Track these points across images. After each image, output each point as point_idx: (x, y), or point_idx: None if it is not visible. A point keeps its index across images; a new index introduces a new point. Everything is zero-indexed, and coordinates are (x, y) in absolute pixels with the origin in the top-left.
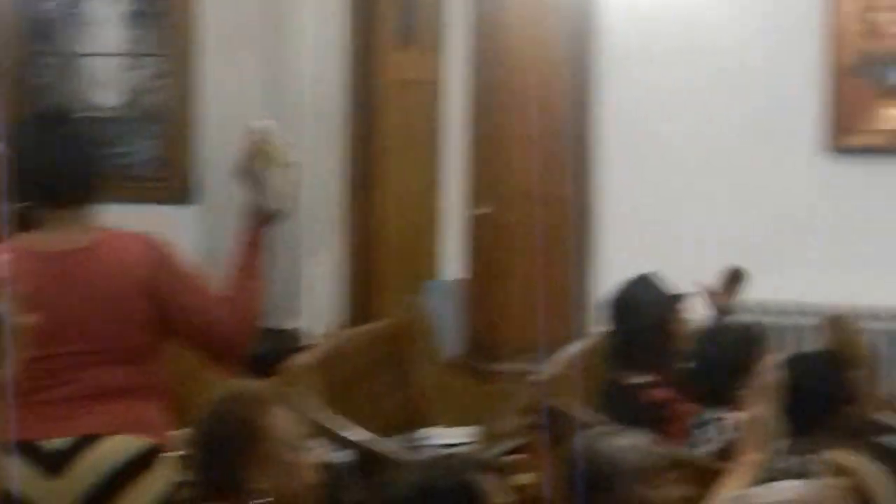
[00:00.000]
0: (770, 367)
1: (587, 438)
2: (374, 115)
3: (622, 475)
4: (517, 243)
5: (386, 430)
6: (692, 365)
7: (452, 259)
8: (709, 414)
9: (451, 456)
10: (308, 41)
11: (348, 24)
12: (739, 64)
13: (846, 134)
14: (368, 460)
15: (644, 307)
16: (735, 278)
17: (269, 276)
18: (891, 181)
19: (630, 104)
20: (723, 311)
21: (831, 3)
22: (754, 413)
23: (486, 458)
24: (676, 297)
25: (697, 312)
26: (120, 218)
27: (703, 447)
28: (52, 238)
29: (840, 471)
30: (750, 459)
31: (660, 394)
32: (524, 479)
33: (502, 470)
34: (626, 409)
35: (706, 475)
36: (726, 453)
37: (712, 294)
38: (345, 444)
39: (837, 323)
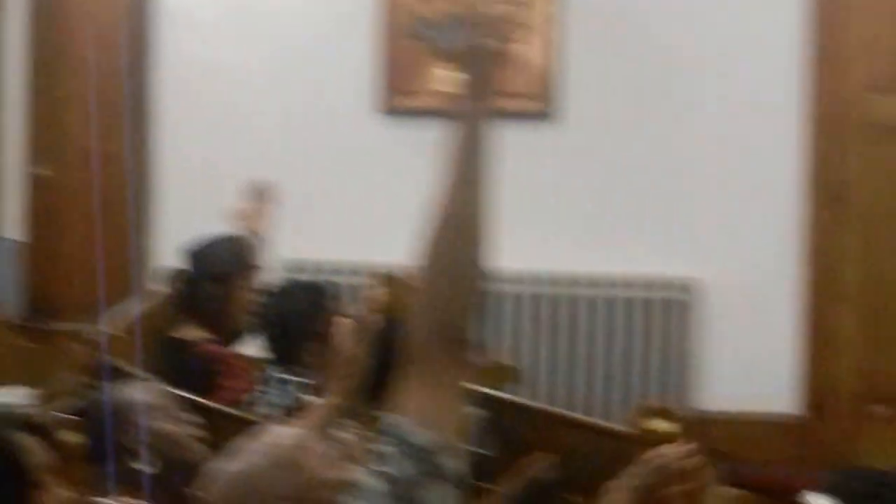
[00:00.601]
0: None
1: (99, 390)
2: None
3: (126, 415)
4: (76, 203)
5: None
6: (259, 325)
7: (10, 218)
8: (272, 372)
9: None
10: None
11: None
12: (300, 25)
13: (399, 95)
14: None
15: (209, 265)
16: (262, 195)
17: None
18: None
19: (190, 63)
20: (254, 233)
21: None
22: (337, 355)
23: (32, 416)
24: (247, 257)
25: (269, 273)
26: None
27: (264, 406)
28: None
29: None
30: (327, 400)
31: (214, 350)
32: (74, 438)
33: (51, 429)
34: (179, 364)
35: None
36: (289, 412)
37: (243, 216)
38: None
39: (390, 282)
